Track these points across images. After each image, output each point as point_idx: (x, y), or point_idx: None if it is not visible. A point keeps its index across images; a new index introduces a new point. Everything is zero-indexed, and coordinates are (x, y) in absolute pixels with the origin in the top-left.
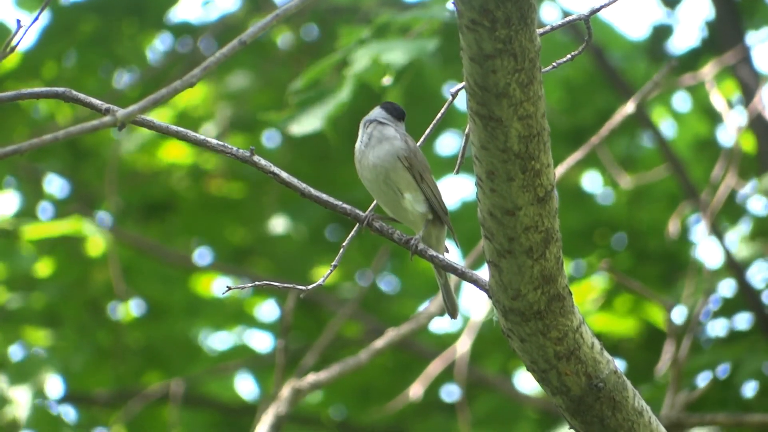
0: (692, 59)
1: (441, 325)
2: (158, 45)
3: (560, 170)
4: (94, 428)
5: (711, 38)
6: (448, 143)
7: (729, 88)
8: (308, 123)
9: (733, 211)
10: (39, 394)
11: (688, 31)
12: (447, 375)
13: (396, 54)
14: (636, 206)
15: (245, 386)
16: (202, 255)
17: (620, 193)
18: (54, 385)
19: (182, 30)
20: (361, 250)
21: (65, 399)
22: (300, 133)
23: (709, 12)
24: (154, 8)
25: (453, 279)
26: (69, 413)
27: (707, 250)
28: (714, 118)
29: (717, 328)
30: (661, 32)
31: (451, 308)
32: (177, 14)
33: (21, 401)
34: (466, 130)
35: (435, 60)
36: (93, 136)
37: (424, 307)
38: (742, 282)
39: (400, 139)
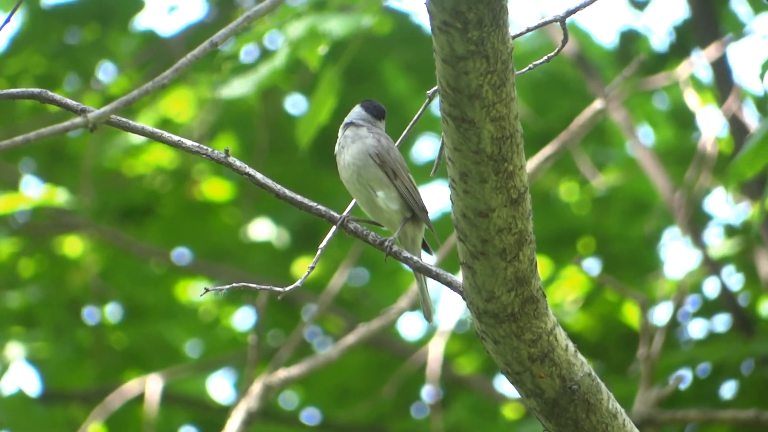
0: (659, 63)
1: (417, 326)
2: (123, 49)
3: (530, 165)
4: (71, 426)
5: (680, 42)
6: (425, 148)
7: (702, 89)
8: (239, 88)
9: (704, 213)
10: (4, 366)
11: (659, 35)
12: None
13: (333, 24)
14: (603, 211)
15: (223, 386)
16: (180, 255)
17: (589, 196)
18: (31, 381)
19: (148, 38)
20: (342, 250)
21: (43, 397)
22: (229, 96)
23: (681, 15)
24: (119, 15)
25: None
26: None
27: (678, 252)
28: (684, 119)
29: (696, 328)
30: (629, 36)
31: (426, 312)
32: (142, 22)
33: None
34: (443, 132)
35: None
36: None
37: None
38: (720, 282)
39: (372, 138)
